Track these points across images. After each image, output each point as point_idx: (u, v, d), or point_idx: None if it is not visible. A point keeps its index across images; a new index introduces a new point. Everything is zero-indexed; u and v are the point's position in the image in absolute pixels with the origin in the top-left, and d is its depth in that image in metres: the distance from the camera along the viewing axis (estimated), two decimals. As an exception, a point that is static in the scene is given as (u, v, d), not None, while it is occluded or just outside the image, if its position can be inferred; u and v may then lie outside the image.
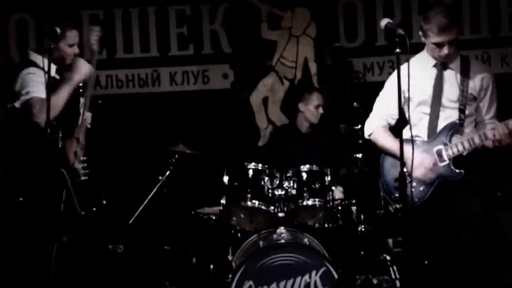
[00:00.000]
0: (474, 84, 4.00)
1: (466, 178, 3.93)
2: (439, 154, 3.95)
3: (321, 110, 5.59)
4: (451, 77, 4.01)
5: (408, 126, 3.89)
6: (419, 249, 3.84)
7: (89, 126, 4.46)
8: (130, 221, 5.20)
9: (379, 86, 6.24)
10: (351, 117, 5.19)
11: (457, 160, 3.93)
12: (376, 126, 4.16)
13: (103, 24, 6.33)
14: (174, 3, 6.39)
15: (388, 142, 4.06)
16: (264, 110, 6.43)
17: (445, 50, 3.88)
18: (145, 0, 6.39)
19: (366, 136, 4.23)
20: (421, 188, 3.96)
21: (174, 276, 5.06)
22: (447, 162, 3.94)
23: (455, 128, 3.97)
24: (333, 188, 4.78)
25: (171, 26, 6.39)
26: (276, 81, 6.44)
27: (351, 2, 6.40)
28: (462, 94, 3.97)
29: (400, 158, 3.47)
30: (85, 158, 4.33)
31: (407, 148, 3.80)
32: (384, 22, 3.58)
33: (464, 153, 3.92)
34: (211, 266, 4.95)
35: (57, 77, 4.34)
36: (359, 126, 5.04)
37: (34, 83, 4.17)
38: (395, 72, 3.87)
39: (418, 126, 4.01)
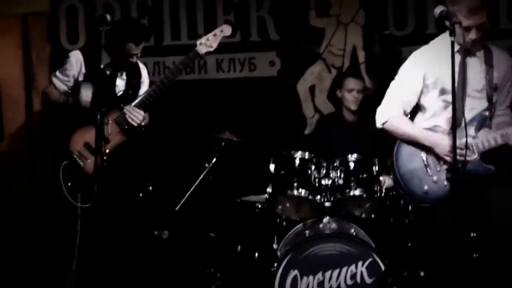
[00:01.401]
0: (498, 73, 3.80)
1: (496, 173, 3.74)
2: (468, 148, 3.70)
3: (356, 95, 5.47)
4: (476, 65, 3.80)
5: (425, 116, 3.79)
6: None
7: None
8: (176, 208, 5.23)
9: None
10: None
11: (486, 154, 3.74)
12: (392, 114, 3.95)
13: (151, 11, 6.38)
14: (222, -11, 6.38)
15: (410, 128, 3.86)
16: (311, 98, 6.38)
17: (472, 35, 3.66)
18: (193, -13, 6.40)
19: (379, 124, 4.01)
20: (442, 184, 3.77)
21: (219, 263, 5.08)
22: (476, 156, 3.73)
23: (484, 121, 3.79)
24: (383, 177, 4.70)
25: (218, 13, 6.37)
26: (324, 69, 6.37)
27: (401, -12, 6.31)
28: (489, 84, 3.77)
29: (454, 147, 3.35)
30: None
31: (432, 135, 3.74)
32: (438, 9, 3.51)
33: (498, 147, 3.71)
34: (256, 254, 4.94)
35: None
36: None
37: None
38: (412, 58, 3.78)
39: (440, 115, 3.83)
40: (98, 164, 3.90)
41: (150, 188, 5.37)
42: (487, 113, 3.80)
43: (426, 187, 3.78)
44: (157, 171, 5.63)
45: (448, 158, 3.70)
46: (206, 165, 5.27)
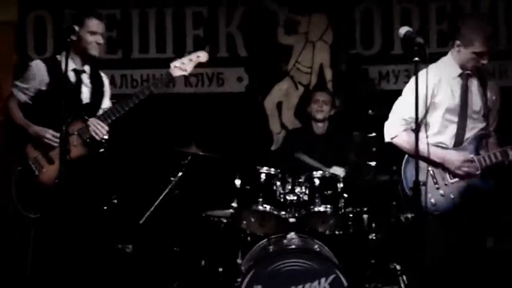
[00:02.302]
0: (490, 96, 4.03)
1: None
2: (472, 161, 3.92)
3: (323, 106, 5.54)
4: (474, 88, 4.01)
5: (429, 133, 3.91)
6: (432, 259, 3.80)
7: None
8: (141, 221, 5.19)
9: (395, 94, 6.20)
10: (365, 125, 5.18)
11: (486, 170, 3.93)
12: (400, 129, 4.06)
13: (120, 24, 6.37)
14: (192, 4, 6.40)
15: (420, 146, 3.82)
16: (278, 114, 6.42)
17: (484, 60, 3.88)
18: (163, 1, 6.40)
19: (387, 139, 4.12)
20: (449, 197, 3.91)
21: (183, 277, 5.06)
22: (479, 171, 3.91)
23: (483, 139, 3.98)
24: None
25: (187, 28, 6.40)
26: (291, 86, 6.43)
27: (368, 8, 6.40)
28: (485, 105, 3.99)
29: (416, 166, 3.46)
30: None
31: (441, 152, 3.90)
32: (403, 30, 3.56)
33: (497, 164, 3.91)
34: (220, 269, 4.94)
35: (83, 68, 4.33)
36: (374, 134, 5.03)
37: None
38: (420, 76, 3.87)
39: (443, 133, 3.99)
40: (57, 174, 3.88)
41: (115, 201, 5.32)
42: (485, 132, 4.00)
43: (433, 200, 3.90)
44: (123, 184, 5.59)
45: (460, 172, 3.89)
46: (172, 179, 5.26)
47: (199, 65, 4.43)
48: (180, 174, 5.24)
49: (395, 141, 4.07)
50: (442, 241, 3.88)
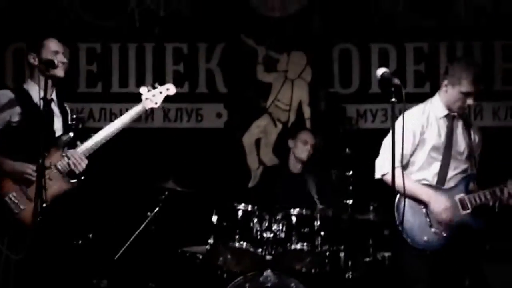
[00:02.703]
0: (474, 137, 4.14)
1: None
2: (462, 202, 3.99)
3: (309, 148, 5.55)
4: (459, 130, 4.11)
5: (412, 169, 4.02)
6: None
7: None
8: (116, 256, 5.14)
9: (372, 133, 6.35)
10: (343, 163, 5.21)
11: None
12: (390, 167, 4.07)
13: (99, 57, 6.39)
14: (172, 40, 6.44)
15: (408, 182, 3.90)
16: (256, 151, 6.44)
17: (470, 101, 3.97)
18: (143, 36, 6.44)
19: (378, 176, 4.10)
20: (441, 235, 3.95)
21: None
22: (469, 210, 3.98)
23: (472, 179, 4.06)
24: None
25: (167, 63, 6.43)
26: (270, 123, 6.46)
27: (347, 48, 6.48)
28: (469, 147, 4.08)
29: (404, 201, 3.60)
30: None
31: (429, 191, 3.97)
32: (380, 71, 3.60)
33: (486, 203, 4.00)
34: (196, 307, 4.89)
35: (51, 97, 4.14)
36: (351, 172, 5.06)
37: None
38: (407, 116, 3.93)
39: (427, 170, 4.04)
40: (36, 213, 3.62)
41: (90, 236, 5.27)
42: (471, 172, 4.09)
43: (426, 238, 3.94)
44: (99, 219, 5.55)
45: (440, 217, 3.92)
46: (149, 214, 5.23)
47: (167, 98, 4.40)
48: (156, 209, 5.22)
49: (386, 178, 4.02)
50: (429, 278, 3.91)
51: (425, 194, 3.96)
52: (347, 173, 5.11)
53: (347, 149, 5.23)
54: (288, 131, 6.25)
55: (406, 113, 4.01)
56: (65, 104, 4.36)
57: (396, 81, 3.49)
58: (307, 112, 6.45)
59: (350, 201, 5.06)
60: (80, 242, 5.12)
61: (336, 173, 5.43)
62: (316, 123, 6.39)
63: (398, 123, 4.05)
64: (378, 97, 6.35)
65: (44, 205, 3.71)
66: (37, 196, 3.65)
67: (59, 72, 4.11)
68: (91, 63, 6.39)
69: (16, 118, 4.05)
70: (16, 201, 3.93)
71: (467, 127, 4.13)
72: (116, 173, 5.99)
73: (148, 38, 6.43)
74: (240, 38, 6.43)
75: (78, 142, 4.20)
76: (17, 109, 4.05)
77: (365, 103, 6.43)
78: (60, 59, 4.13)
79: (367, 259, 5.05)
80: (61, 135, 4.14)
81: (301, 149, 5.57)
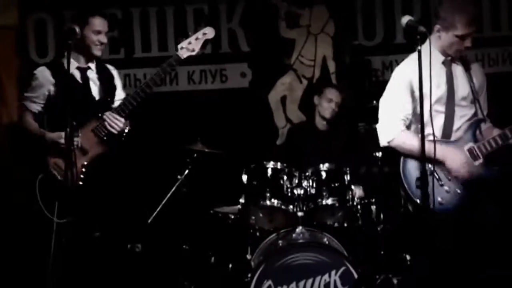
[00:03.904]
0: (477, 81, 3.92)
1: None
2: (472, 152, 3.82)
3: (334, 106, 5.54)
4: (460, 74, 3.90)
5: (416, 125, 3.83)
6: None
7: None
8: (149, 220, 5.20)
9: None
10: (370, 116, 5.15)
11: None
12: (395, 131, 3.90)
13: (121, 23, 6.37)
14: (192, 2, 6.39)
15: (418, 143, 3.72)
16: (282, 109, 6.41)
17: (468, 43, 3.76)
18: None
19: (384, 143, 3.95)
20: (456, 192, 3.80)
21: (193, 275, 5.06)
22: (481, 160, 3.82)
23: (479, 126, 3.88)
24: (354, 187, 4.73)
25: (189, 25, 6.38)
26: (294, 80, 6.42)
27: (370, -1, 6.38)
28: (472, 90, 3.87)
29: (422, 158, 3.41)
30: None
31: (443, 149, 3.75)
32: (405, 19, 3.54)
33: (497, 149, 3.79)
34: (230, 265, 4.93)
35: (87, 65, 4.31)
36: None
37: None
38: (399, 71, 3.83)
39: (430, 125, 3.79)
40: (71, 176, 3.82)
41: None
42: (478, 118, 3.89)
43: (439, 198, 3.75)
44: (130, 184, 5.59)
45: (460, 174, 3.76)
46: (179, 177, 5.25)
47: (206, 42, 4.35)
48: (186, 171, 5.24)
49: (394, 143, 3.91)
50: (453, 237, 3.78)
51: (439, 152, 3.69)
52: (375, 126, 5.05)
53: (374, 102, 5.16)
54: (314, 87, 6.20)
55: (398, 68, 3.89)
56: (110, 67, 4.51)
57: (422, 28, 3.43)
58: (332, 66, 6.38)
59: (379, 154, 5.02)
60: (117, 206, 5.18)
61: (364, 126, 5.38)
62: (341, 77, 6.34)
63: (392, 83, 3.94)
64: (404, 47, 6.23)
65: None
66: (66, 163, 3.74)
67: (96, 51, 4.26)
68: (113, 29, 6.35)
69: (53, 93, 4.26)
70: (58, 169, 4.15)
71: (467, 69, 3.89)
72: (144, 138, 6.00)
73: (168, 1, 6.38)
74: (261, -5, 6.36)
75: (116, 103, 4.27)
76: (52, 82, 4.22)
77: (390, 54, 6.34)
78: (101, 39, 4.25)
79: (399, 211, 5.02)
80: (100, 101, 4.21)
81: (325, 106, 5.54)
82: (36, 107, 4.31)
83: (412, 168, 3.83)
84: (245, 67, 6.40)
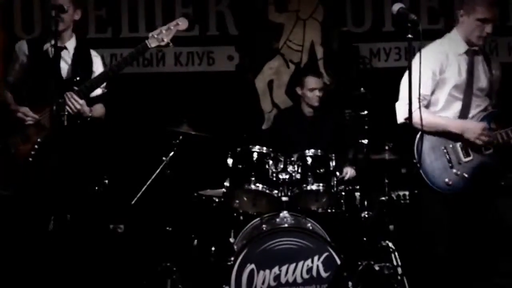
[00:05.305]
0: (495, 72, 4.05)
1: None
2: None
3: (318, 93, 5.50)
4: (480, 65, 4.02)
5: (435, 109, 3.96)
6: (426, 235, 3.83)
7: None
8: (132, 202, 5.17)
9: (386, 72, 6.27)
10: (357, 103, 5.16)
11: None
12: (413, 108, 3.89)
13: (108, 2, 6.30)
14: (181, -18, 6.34)
15: (436, 119, 3.93)
16: (269, 93, 6.40)
17: (488, 28, 3.87)
18: (152, -21, 6.34)
19: (400, 120, 4.03)
20: (463, 176, 3.91)
21: (176, 257, 5.05)
22: (491, 150, 3.93)
23: (494, 117, 3.99)
24: (346, 168, 4.77)
25: (176, 6, 6.34)
26: (282, 64, 6.40)
27: (359, -14, 6.37)
28: (491, 81, 4.01)
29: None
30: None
31: (459, 122, 3.92)
32: (396, 6, 3.54)
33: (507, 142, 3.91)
34: (213, 249, 4.94)
35: (64, 45, 4.30)
36: (365, 112, 5.01)
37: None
38: (425, 53, 3.86)
39: (448, 110, 3.98)
40: (30, 152, 3.96)
41: (106, 181, 5.29)
42: (493, 109, 4.02)
43: (447, 179, 3.91)
44: (114, 165, 5.56)
45: (479, 141, 3.87)
46: (164, 158, 5.23)
47: (179, 32, 4.31)
48: (171, 153, 5.22)
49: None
50: (449, 219, 3.90)
51: (456, 126, 3.90)
52: (362, 113, 5.06)
53: (361, 89, 5.16)
54: (295, 77, 6.16)
55: (423, 50, 3.93)
56: (93, 53, 4.49)
57: (413, 16, 3.43)
58: (319, 52, 6.37)
59: (365, 141, 5.03)
60: (96, 188, 5.14)
61: (350, 113, 5.39)
62: (329, 63, 6.33)
63: (415, 62, 3.99)
64: (392, 35, 6.27)
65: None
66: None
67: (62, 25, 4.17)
68: (100, 8, 6.30)
69: (25, 65, 4.26)
70: (13, 142, 4.14)
71: (487, 62, 4.04)
72: (130, 119, 5.98)
73: (157, -19, 6.33)
74: (250, -22, 6.32)
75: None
76: (27, 55, 4.26)
77: (379, 42, 6.34)
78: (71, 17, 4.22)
79: (383, 198, 5.05)
80: (64, 80, 4.21)
81: (310, 96, 5.51)
82: (11, 80, 4.33)
83: (426, 147, 3.94)
84: (232, 50, 6.36)
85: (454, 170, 3.92)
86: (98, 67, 4.47)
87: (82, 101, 4.16)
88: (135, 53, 4.29)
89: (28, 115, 4.13)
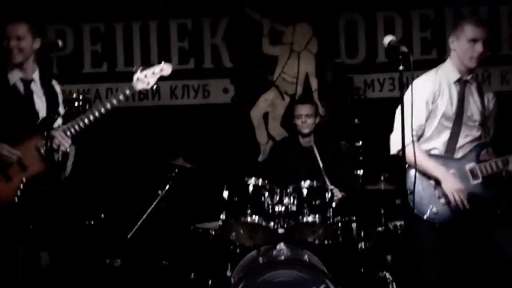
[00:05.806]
0: (488, 103, 4.03)
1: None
2: (473, 172, 3.91)
3: (306, 120, 5.50)
4: (472, 95, 4.01)
5: (422, 138, 3.95)
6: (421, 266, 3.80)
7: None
8: (129, 235, 5.16)
9: (380, 102, 6.30)
10: (352, 134, 5.19)
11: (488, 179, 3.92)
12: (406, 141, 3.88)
13: (104, 37, 6.36)
14: (176, 16, 6.40)
15: (422, 159, 3.86)
16: (265, 125, 6.43)
17: (479, 47, 3.84)
18: (147, 14, 6.40)
19: (394, 152, 4.01)
20: (448, 208, 3.88)
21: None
22: (480, 180, 3.90)
23: (484, 148, 3.97)
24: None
25: (172, 40, 6.40)
26: (277, 97, 6.44)
27: (352, 18, 6.43)
28: (482, 113, 3.98)
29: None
30: None
31: (440, 165, 3.88)
32: (387, 39, 3.56)
33: (497, 173, 3.90)
34: (210, 282, 4.91)
35: (32, 77, 4.13)
36: (360, 143, 5.03)
37: None
38: (418, 83, 3.88)
39: (436, 139, 3.96)
40: (15, 192, 3.78)
41: (102, 215, 5.29)
42: (484, 140, 3.99)
43: (435, 209, 3.88)
44: (110, 199, 5.56)
45: (451, 196, 3.83)
46: (160, 191, 5.24)
47: (162, 78, 4.28)
48: (167, 187, 5.23)
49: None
50: (442, 250, 3.87)
51: (439, 172, 3.86)
52: (357, 144, 5.08)
53: (356, 120, 5.20)
54: (290, 109, 6.17)
55: (417, 81, 3.96)
56: (55, 84, 4.30)
57: (404, 48, 3.44)
58: (314, 83, 6.42)
59: (360, 172, 5.04)
60: (92, 222, 5.13)
61: (345, 144, 5.40)
62: (323, 94, 6.37)
63: (408, 93, 4.01)
64: (385, 66, 6.32)
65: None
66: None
67: (16, 58, 4.07)
68: (96, 43, 6.36)
69: None
70: None
71: (480, 93, 4.01)
72: (126, 152, 6.00)
73: (151, 16, 6.39)
74: (244, 11, 6.38)
75: (59, 119, 4.15)
76: None
77: (372, 73, 6.40)
78: (20, 45, 4.07)
79: (379, 229, 5.05)
80: (45, 117, 4.11)
81: (299, 124, 5.52)
82: None
83: (418, 180, 3.85)
84: (227, 82, 6.41)
85: (442, 200, 3.89)
86: (60, 97, 4.36)
87: (70, 141, 4.08)
88: (120, 95, 4.20)
89: (12, 152, 3.92)
